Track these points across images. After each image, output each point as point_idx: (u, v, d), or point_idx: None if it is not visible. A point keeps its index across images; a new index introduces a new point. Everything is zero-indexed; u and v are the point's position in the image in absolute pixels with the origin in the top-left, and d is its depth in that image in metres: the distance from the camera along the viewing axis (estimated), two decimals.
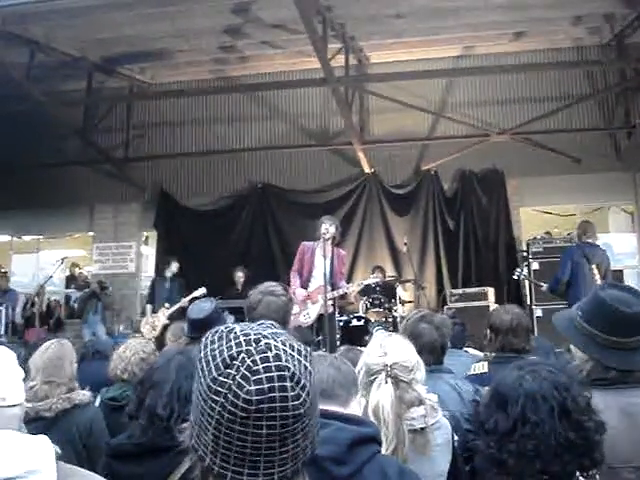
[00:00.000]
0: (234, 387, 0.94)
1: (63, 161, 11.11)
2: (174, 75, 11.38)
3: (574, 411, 1.44)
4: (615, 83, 10.36)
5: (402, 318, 7.77)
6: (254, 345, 0.99)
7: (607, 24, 9.74)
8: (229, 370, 0.96)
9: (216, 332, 1.03)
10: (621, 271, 10.02)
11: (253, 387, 0.94)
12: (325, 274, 6.18)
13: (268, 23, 9.15)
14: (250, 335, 1.00)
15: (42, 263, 12.70)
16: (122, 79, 11.24)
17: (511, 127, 10.34)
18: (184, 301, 8.47)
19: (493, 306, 8.69)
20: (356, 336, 8.22)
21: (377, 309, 8.98)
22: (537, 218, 11.16)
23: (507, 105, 10.72)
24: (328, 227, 6.45)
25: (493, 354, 3.38)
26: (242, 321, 1.13)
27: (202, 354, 1.01)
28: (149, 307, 9.53)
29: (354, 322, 8.42)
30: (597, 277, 7.06)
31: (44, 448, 1.39)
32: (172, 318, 8.00)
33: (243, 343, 0.99)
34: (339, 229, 6.78)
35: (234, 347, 0.98)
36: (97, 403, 3.48)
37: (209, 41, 9.89)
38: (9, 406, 1.55)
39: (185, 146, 11.63)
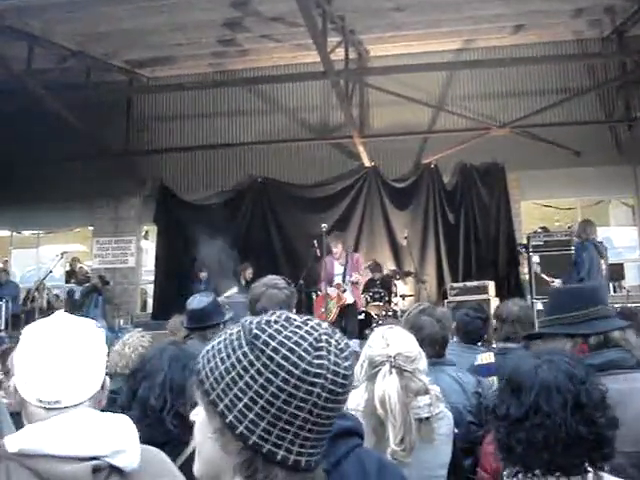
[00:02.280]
0: (332, 366, 0.99)
1: (62, 155, 11.06)
2: (173, 69, 11.34)
3: (587, 405, 1.43)
4: (615, 76, 10.33)
5: (402, 312, 7.78)
6: (323, 328, 1.03)
7: (608, 17, 9.70)
8: (320, 352, 0.99)
9: (269, 323, 1.01)
10: (621, 264, 10.03)
11: (347, 363, 1.02)
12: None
13: (267, 16, 9.11)
14: (307, 319, 1.04)
15: (42, 258, 12.70)
16: (121, 73, 11.21)
17: (511, 120, 10.30)
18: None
19: (493, 299, 8.69)
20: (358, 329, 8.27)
21: (377, 303, 8.99)
22: (537, 211, 11.15)
23: (507, 98, 10.69)
24: (338, 248, 8.38)
25: (499, 344, 3.56)
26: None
27: (273, 345, 0.98)
28: None
29: None
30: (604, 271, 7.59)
31: (128, 428, 1.37)
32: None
33: (315, 326, 1.02)
34: (346, 243, 8.85)
35: (312, 331, 1.01)
36: None
37: (208, 35, 9.85)
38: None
39: (185, 140, 11.59)
